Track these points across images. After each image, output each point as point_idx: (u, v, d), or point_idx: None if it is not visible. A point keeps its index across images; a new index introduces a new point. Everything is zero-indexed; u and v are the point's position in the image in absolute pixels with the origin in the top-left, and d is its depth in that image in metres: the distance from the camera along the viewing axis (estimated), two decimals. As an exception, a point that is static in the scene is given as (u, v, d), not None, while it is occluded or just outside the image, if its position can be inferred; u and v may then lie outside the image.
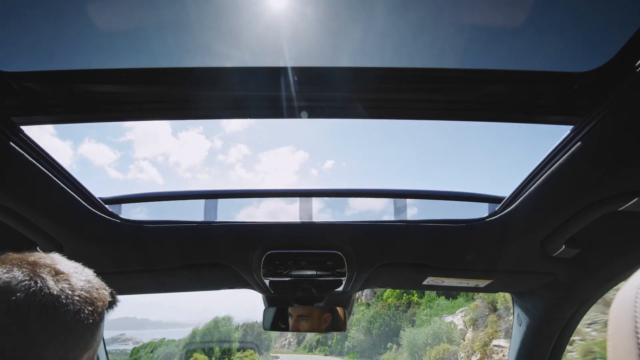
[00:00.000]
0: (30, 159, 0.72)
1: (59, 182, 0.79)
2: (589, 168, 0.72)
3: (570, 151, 0.70)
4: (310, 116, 0.76)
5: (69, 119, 0.79)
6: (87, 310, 0.50)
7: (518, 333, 1.41)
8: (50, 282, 0.47)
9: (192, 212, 1.07)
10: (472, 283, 1.15)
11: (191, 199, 1.08)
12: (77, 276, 0.52)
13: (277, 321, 1.25)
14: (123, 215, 1.00)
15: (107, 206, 0.97)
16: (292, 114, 0.74)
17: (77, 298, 0.49)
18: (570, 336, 1.28)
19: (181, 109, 0.77)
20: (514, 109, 0.76)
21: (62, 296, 0.47)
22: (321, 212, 1.04)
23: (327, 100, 0.77)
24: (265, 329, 1.29)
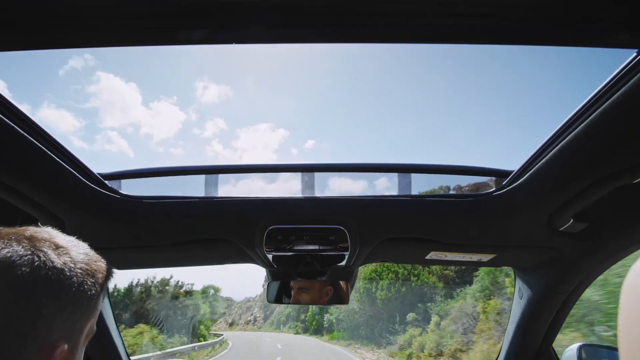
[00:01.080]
0: (25, 134, 0.70)
1: (55, 158, 0.78)
2: (613, 133, 0.67)
3: (599, 110, 0.62)
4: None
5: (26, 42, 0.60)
6: (89, 281, 0.51)
7: (518, 306, 1.43)
8: (53, 256, 0.48)
9: (193, 187, 1.06)
10: (475, 258, 1.15)
11: (191, 174, 1.06)
12: (76, 249, 0.52)
13: (280, 294, 1.28)
14: (123, 191, 0.99)
15: (106, 182, 0.97)
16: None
17: (79, 271, 0.50)
18: (570, 309, 1.29)
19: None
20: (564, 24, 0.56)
21: (66, 269, 0.48)
22: (322, 187, 1.03)
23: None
24: (269, 302, 1.32)
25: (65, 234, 0.54)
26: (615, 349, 1.74)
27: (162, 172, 1.05)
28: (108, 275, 0.58)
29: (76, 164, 0.86)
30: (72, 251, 0.51)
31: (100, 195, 0.91)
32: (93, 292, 0.52)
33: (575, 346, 1.45)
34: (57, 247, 0.49)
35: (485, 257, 1.14)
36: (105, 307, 1.43)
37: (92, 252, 0.56)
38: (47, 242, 0.49)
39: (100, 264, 0.56)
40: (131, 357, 1.67)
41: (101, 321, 1.40)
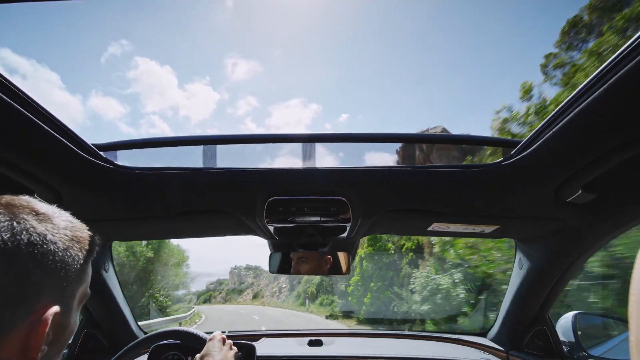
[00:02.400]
0: (15, 104, 0.67)
1: (47, 128, 0.75)
2: (627, 103, 0.64)
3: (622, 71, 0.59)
4: None
5: None
6: (75, 247, 0.51)
7: (517, 277, 1.45)
8: (34, 222, 0.47)
9: (191, 158, 1.03)
10: (477, 229, 1.14)
11: (189, 144, 1.03)
12: (58, 216, 0.51)
13: (281, 265, 1.29)
14: (119, 162, 0.96)
15: (101, 153, 0.94)
16: None
17: (63, 237, 0.49)
18: (569, 280, 1.31)
19: None
20: None
21: (49, 234, 0.47)
22: (325, 157, 1.00)
23: None
24: (271, 272, 1.34)
25: (44, 203, 0.52)
26: (608, 317, 1.79)
27: (158, 143, 1.02)
28: (93, 242, 0.57)
29: (69, 134, 0.83)
30: (55, 218, 0.50)
31: (95, 166, 0.89)
32: (80, 257, 0.52)
33: (570, 314, 1.49)
34: (36, 213, 0.48)
35: (489, 229, 1.13)
36: (111, 276, 1.46)
37: (75, 220, 0.55)
38: (26, 209, 0.47)
39: (85, 231, 0.55)
40: (139, 322, 1.74)
41: (107, 290, 1.44)
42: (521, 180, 0.90)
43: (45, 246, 0.46)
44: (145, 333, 1.66)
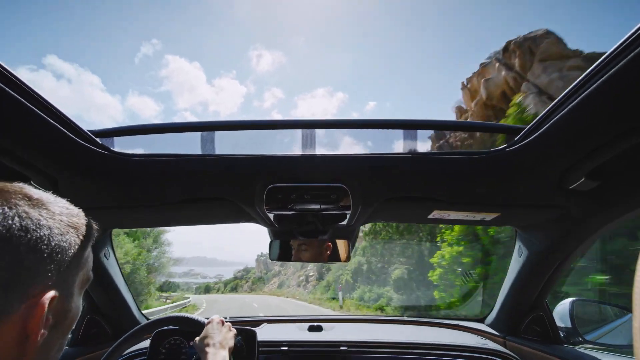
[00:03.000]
0: (9, 90, 0.65)
1: (41, 114, 0.73)
2: (635, 87, 0.62)
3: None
4: None
5: None
6: (72, 233, 0.51)
7: (516, 264, 1.45)
8: (26, 208, 0.46)
9: (189, 145, 1.01)
10: (478, 217, 1.14)
11: (187, 131, 1.01)
12: (53, 202, 0.51)
13: (282, 252, 1.29)
14: (116, 149, 0.95)
15: (97, 139, 0.92)
16: None
17: (58, 223, 0.49)
18: (568, 267, 1.31)
19: None
20: None
21: (43, 220, 0.47)
22: (326, 144, 0.98)
23: None
24: (271, 260, 1.34)
25: (38, 189, 0.52)
26: (605, 304, 1.81)
27: (156, 129, 1.00)
28: (91, 228, 0.57)
29: (64, 120, 0.81)
30: (49, 204, 0.50)
31: (91, 152, 0.87)
32: (78, 243, 0.52)
33: (568, 301, 1.50)
34: (29, 199, 0.48)
35: (489, 216, 1.13)
36: (112, 264, 1.46)
37: (71, 206, 0.54)
38: (19, 195, 0.47)
39: (82, 217, 0.55)
40: (145, 311, 1.76)
41: (109, 277, 1.45)
42: (524, 168, 0.89)
43: (39, 231, 0.46)
44: (147, 319, 1.68)
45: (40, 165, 0.84)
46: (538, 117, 0.82)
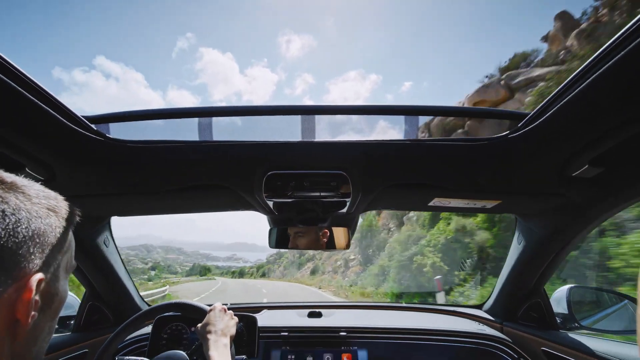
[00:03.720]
0: (1, 75, 0.63)
1: (33, 99, 0.71)
2: None
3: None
4: None
5: None
6: (52, 216, 0.51)
7: (515, 251, 1.46)
8: (1, 192, 0.46)
9: (186, 132, 0.99)
10: (479, 204, 1.13)
11: (184, 117, 0.99)
12: (28, 186, 0.50)
13: (281, 240, 1.29)
14: (112, 136, 0.93)
15: (93, 125, 0.90)
16: None
17: (37, 206, 0.49)
18: (567, 255, 1.32)
19: None
20: None
21: (20, 204, 0.47)
22: (325, 130, 0.96)
23: None
24: (270, 247, 1.35)
25: (10, 173, 0.51)
26: (603, 290, 1.83)
27: (152, 115, 0.98)
28: (71, 211, 0.56)
29: (58, 106, 0.79)
30: (25, 188, 0.49)
31: (86, 138, 0.85)
32: (59, 226, 0.52)
33: (565, 287, 1.52)
34: (2, 182, 0.47)
35: (490, 204, 1.12)
36: (112, 251, 1.47)
37: (47, 190, 0.54)
38: None
39: (61, 201, 0.55)
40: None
41: (109, 265, 1.45)
42: (527, 154, 0.87)
43: (17, 215, 0.45)
44: (149, 305, 1.70)
45: (34, 152, 0.82)
46: (542, 104, 0.80)
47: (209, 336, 0.90)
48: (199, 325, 0.96)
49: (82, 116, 0.89)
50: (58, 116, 0.78)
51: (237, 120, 1.01)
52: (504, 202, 1.10)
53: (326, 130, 0.96)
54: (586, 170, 0.85)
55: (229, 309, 1.87)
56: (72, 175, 0.94)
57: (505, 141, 0.86)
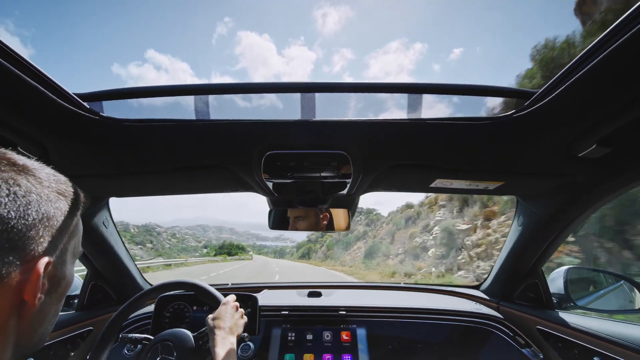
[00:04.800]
0: None
1: (23, 75, 0.69)
2: None
3: None
4: None
5: None
6: (61, 200, 0.51)
7: (515, 232, 1.46)
8: (13, 174, 0.46)
9: (182, 110, 0.96)
10: (482, 185, 1.12)
11: (179, 94, 0.96)
12: (39, 169, 0.50)
13: (281, 221, 1.29)
14: (106, 114, 0.90)
15: (85, 103, 0.88)
16: None
17: (47, 189, 0.49)
18: (567, 236, 1.32)
19: None
20: None
21: (31, 187, 0.46)
22: (324, 109, 0.93)
23: None
24: (270, 229, 1.35)
25: (23, 156, 0.50)
26: (599, 271, 1.85)
27: (146, 92, 0.95)
28: (78, 196, 0.56)
29: (49, 83, 0.76)
30: (36, 171, 0.49)
31: (79, 117, 0.83)
32: (67, 210, 0.52)
33: (563, 268, 1.53)
34: (14, 164, 0.47)
35: (493, 185, 1.11)
36: (112, 232, 1.47)
37: (58, 174, 0.54)
38: (4, 161, 0.46)
39: (69, 185, 0.55)
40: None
41: (109, 245, 1.46)
42: (533, 134, 0.85)
43: (28, 197, 0.45)
44: (150, 285, 1.72)
45: (26, 130, 0.80)
46: (550, 81, 0.77)
47: (217, 331, 0.90)
48: (211, 316, 0.96)
49: (75, 94, 0.86)
50: (48, 93, 0.75)
51: (235, 98, 0.97)
52: (507, 183, 1.09)
53: (327, 109, 0.93)
54: (593, 150, 0.83)
55: (229, 288, 1.90)
56: (65, 154, 0.92)
57: (511, 120, 0.84)
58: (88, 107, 0.87)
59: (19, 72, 0.67)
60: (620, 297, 1.46)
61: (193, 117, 0.94)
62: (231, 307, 0.98)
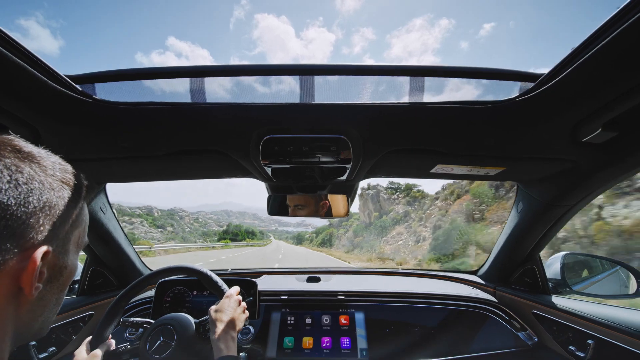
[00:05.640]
0: None
1: (11, 56, 0.66)
2: None
3: None
4: None
5: None
6: (65, 189, 0.50)
7: (514, 219, 1.46)
8: (16, 161, 0.45)
9: (177, 93, 0.94)
10: (482, 171, 1.11)
11: (174, 77, 0.93)
12: (45, 157, 0.49)
13: (280, 207, 1.28)
14: (99, 97, 0.88)
15: (77, 86, 0.85)
16: None
17: (50, 178, 0.48)
18: (566, 222, 1.32)
19: None
20: None
21: (34, 174, 0.46)
22: (323, 91, 0.90)
23: None
24: (269, 215, 1.34)
25: (29, 143, 0.50)
26: (596, 257, 1.87)
27: (139, 74, 0.92)
28: (83, 185, 0.56)
29: (38, 63, 0.73)
30: (41, 160, 0.48)
31: (71, 99, 0.80)
32: (71, 200, 0.51)
33: (560, 254, 1.54)
34: (19, 151, 0.46)
35: (494, 171, 1.10)
36: (110, 218, 1.46)
37: (64, 163, 0.53)
38: (8, 147, 0.45)
39: (74, 173, 0.54)
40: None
41: (107, 231, 1.45)
42: (538, 118, 0.83)
43: (29, 185, 0.45)
44: (150, 270, 1.73)
45: (14, 112, 0.78)
46: (559, 62, 0.75)
47: (219, 324, 0.90)
48: (214, 307, 0.96)
49: (66, 75, 0.83)
50: (37, 73, 0.72)
51: (232, 81, 0.94)
52: (508, 169, 1.08)
53: (326, 92, 0.91)
54: (598, 135, 0.82)
55: (229, 274, 1.91)
56: (58, 137, 0.90)
57: (515, 104, 0.82)
58: (80, 89, 0.84)
59: (5, 51, 0.65)
60: (616, 282, 1.48)
61: (189, 101, 0.91)
62: (234, 301, 0.98)
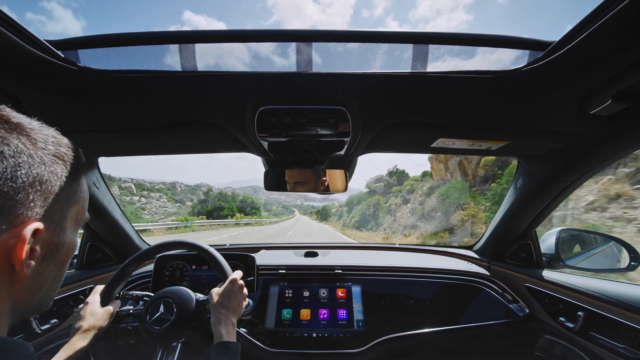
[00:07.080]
0: None
1: None
2: None
3: None
4: None
5: None
6: (59, 163, 0.48)
7: (512, 194, 1.45)
8: (2, 132, 0.42)
9: (165, 60, 0.88)
10: (484, 145, 1.08)
11: (163, 42, 0.87)
12: (37, 130, 0.47)
13: (277, 182, 1.26)
14: (83, 64, 0.82)
15: (59, 52, 0.79)
16: None
17: (41, 152, 0.46)
18: (565, 198, 1.32)
19: None
20: None
21: (22, 147, 0.43)
22: (322, 59, 0.85)
23: None
24: (266, 190, 1.32)
25: (20, 114, 0.47)
26: (590, 232, 1.90)
27: (126, 40, 0.86)
28: (80, 160, 0.53)
29: (13, 25, 0.68)
30: (32, 132, 0.45)
31: (53, 66, 0.75)
32: (65, 175, 0.49)
33: (555, 230, 1.55)
34: (7, 122, 0.43)
35: (496, 145, 1.07)
36: (104, 193, 1.44)
37: (59, 136, 0.51)
38: None
39: (69, 147, 0.52)
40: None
41: (102, 207, 1.44)
42: (545, 89, 0.79)
43: (17, 158, 0.42)
44: (148, 245, 1.74)
45: None
46: (570, 29, 0.70)
47: (222, 310, 0.90)
48: (216, 290, 0.96)
49: (47, 40, 0.77)
50: (13, 36, 0.67)
51: (224, 47, 0.89)
52: (511, 143, 1.05)
53: (325, 60, 0.86)
54: (607, 107, 0.79)
55: (227, 249, 1.93)
56: (42, 107, 0.85)
57: (522, 74, 0.78)
58: (63, 56, 0.79)
59: None
60: (609, 257, 1.50)
61: (179, 69, 0.86)
62: (237, 288, 0.98)
